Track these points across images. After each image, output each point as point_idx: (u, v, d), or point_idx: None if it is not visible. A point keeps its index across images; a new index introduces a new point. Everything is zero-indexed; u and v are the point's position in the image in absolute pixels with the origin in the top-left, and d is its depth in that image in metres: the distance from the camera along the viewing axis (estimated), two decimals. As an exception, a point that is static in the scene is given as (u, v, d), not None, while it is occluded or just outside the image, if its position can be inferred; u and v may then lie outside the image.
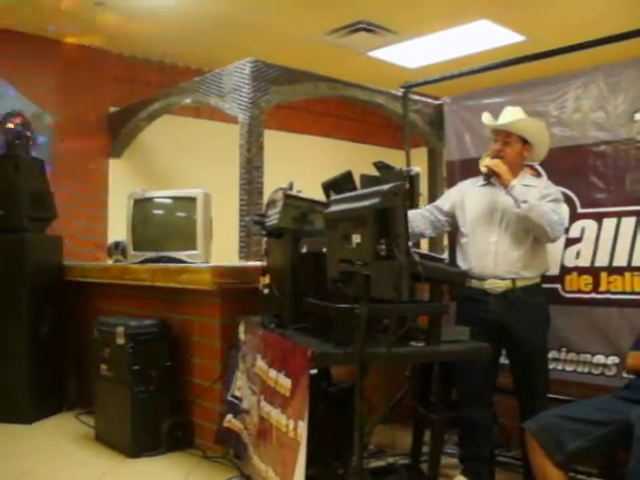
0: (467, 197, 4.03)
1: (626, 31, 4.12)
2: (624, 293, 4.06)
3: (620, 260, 4.09)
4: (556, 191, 3.87)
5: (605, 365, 4.13)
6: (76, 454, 4.64)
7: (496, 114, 3.98)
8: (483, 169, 3.90)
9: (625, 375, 3.75)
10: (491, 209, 3.89)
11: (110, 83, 7.72)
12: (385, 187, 2.59)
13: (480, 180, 4.00)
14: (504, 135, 3.87)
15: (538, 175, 4.28)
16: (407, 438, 4.15)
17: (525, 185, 3.81)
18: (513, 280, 3.78)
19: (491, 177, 3.86)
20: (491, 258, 3.84)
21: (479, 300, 3.86)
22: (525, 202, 3.66)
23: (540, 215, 3.64)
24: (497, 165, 3.79)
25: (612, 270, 4.11)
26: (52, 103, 7.16)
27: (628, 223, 4.07)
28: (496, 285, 3.81)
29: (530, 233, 3.76)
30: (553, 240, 3.79)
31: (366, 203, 2.62)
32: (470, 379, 3.85)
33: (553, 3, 6.49)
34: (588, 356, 4.20)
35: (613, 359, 4.09)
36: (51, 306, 5.61)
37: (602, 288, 4.14)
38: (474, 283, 3.88)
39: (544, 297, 3.91)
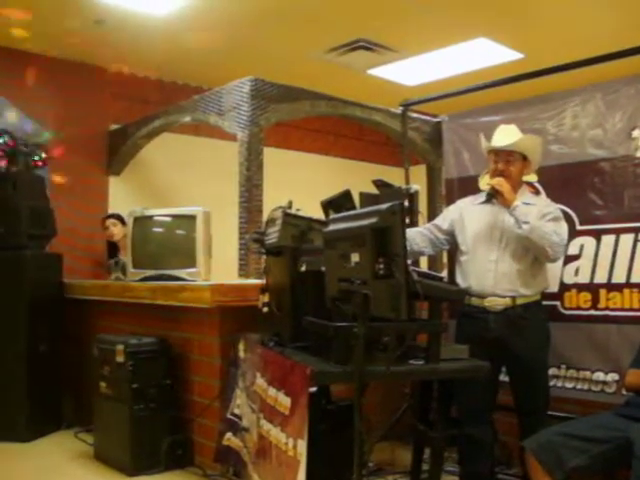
0: (466, 215, 4.04)
1: (623, 49, 4.15)
2: (623, 310, 4.07)
3: (619, 277, 4.10)
4: (555, 209, 3.88)
5: (605, 382, 4.13)
6: (74, 473, 4.62)
7: (494, 132, 4.00)
8: (485, 187, 3.92)
9: (624, 392, 3.75)
10: (491, 227, 3.90)
11: (110, 101, 7.75)
12: (383, 206, 2.60)
13: (479, 198, 4.02)
14: (506, 154, 3.89)
15: (537, 193, 4.30)
16: (407, 456, 4.14)
17: (526, 203, 3.83)
18: (513, 298, 3.79)
19: (494, 196, 3.88)
20: (491, 276, 3.85)
21: (479, 318, 3.86)
22: (527, 223, 3.67)
23: (541, 236, 3.66)
24: (500, 184, 3.81)
25: (611, 287, 4.12)
26: (52, 121, 7.17)
27: (626, 240, 4.08)
28: (496, 303, 3.82)
29: (530, 252, 3.77)
30: (553, 260, 3.81)
31: (364, 222, 2.63)
32: (469, 397, 3.84)
33: (551, 21, 6.53)
34: (588, 373, 4.20)
35: (613, 376, 4.09)
36: (50, 323, 5.60)
37: (601, 305, 4.14)
38: (474, 301, 3.89)
39: (544, 315, 3.92)
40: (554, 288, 4.21)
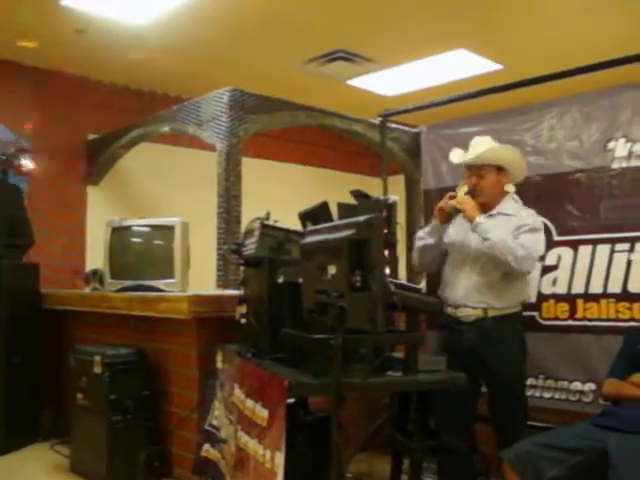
0: (451, 226, 4.04)
1: (601, 61, 4.19)
2: (600, 320, 4.10)
3: (596, 287, 4.12)
4: (534, 221, 3.81)
5: (582, 392, 4.15)
6: (51, 485, 4.59)
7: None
8: (448, 209, 3.90)
9: (601, 402, 3.77)
10: (465, 238, 3.90)
11: (89, 110, 7.72)
12: (360, 218, 2.61)
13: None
14: (477, 168, 3.88)
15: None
16: (385, 467, 4.14)
17: (505, 214, 3.83)
18: (484, 309, 3.78)
19: (458, 214, 3.88)
20: (462, 287, 3.85)
21: (453, 328, 3.87)
22: (487, 239, 3.67)
23: (502, 252, 3.62)
24: (461, 203, 3.81)
25: (588, 297, 4.15)
26: (30, 130, 7.13)
27: (603, 250, 4.11)
28: (467, 314, 3.82)
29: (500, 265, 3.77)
30: (523, 273, 3.76)
31: (341, 234, 2.63)
32: (448, 407, 3.83)
33: (530, 33, 6.58)
34: (565, 383, 4.22)
35: (590, 386, 4.12)
36: (27, 334, 5.55)
37: (578, 315, 4.17)
38: (449, 311, 3.89)
39: (519, 327, 3.87)
40: (532, 299, 4.21)
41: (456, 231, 3.97)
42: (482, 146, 3.91)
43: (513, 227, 3.75)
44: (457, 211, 3.87)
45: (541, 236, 3.82)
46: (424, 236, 4.04)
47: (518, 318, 3.88)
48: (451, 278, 3.94)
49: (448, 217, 3.94)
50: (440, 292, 3.99)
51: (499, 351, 3.75)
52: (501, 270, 3.74)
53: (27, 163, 6.17)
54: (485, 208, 3.88)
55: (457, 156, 4.00)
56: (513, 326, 3.84)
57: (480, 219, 3.74)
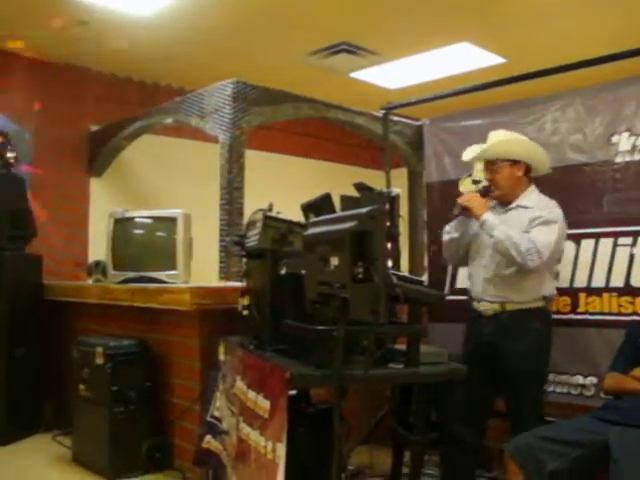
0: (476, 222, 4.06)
1: (605, 55, 4.18)
2: (602, 314, 4.10)
3: (598, 281, 4.13)
4: (549, 213, 3.75)
5: (584, 385, 4.16)
6: (52, 477, 4.60)
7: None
8: (455, 211, 3.91)
9: (603, 395, 3.77)
10: (482, 233, 3.92)
11: (91, 102, 7.69)
12: (363, 210, 2.61)
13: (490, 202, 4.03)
14: (490, 163, 3.90)
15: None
16: (387, 459, 4.13)
17: (524, 207, 3.82)
18: (502, 304, 3.79)
19: (465, 212, 3.89)
20: (480, 281, 3.89)
21: (476, 321, 3.92)
22: (492, 236, 3.69)
23: (507, 247, 3.61)
24: (468, 200, 3.83)
25: (590, 291, 4.15)
26: (32, 121, 7.13)
27: (606, 244, 4.11)
28: (486, 307, 3.86)
29: None
30: (531, 268, 3.67)
31: (343, 226, 2.63)
32: (462, 398, 3.87)
33: (533, 26, 6.56)
34: (567, 376, 4.23)
35: (592, 379, 4.12)
36: (29, 325, 5.56)
37: (581, 309, 4.17)
38: (474, 304, 3.96)
39: (538, 322, 3.79)
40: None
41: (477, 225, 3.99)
42: (493, 140, 3.92)
43: (527, 220, 3.73)
44: (464, 209, 3.89)
45: (554, 229, 3.72)
46: (450, 230, 4.06)
47: (539, 313, 3.81)
48: (472, 272, 4.00)
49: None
50: (467, 286, 4.06)
51: (514, 346, 3.72)
52: (513, 265, 3.73)
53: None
54: (505, 201, 3.90)
55: (469, 153, 4.01)
56: (531, 321, 3.78)
57: (486, 216, 3.74)
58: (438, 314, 4.67)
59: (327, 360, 2.76)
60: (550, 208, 3.80)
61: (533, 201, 3.86)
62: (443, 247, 4.17)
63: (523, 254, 3.60)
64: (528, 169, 3.89)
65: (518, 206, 3.85)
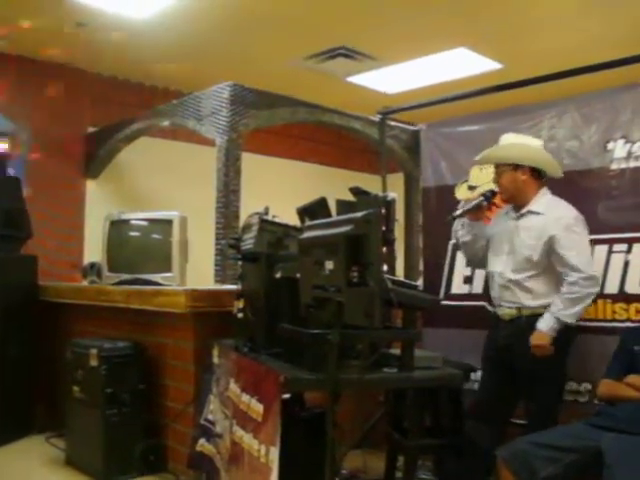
0: (490, 226, 4.11)
1: (601, 62, 4.19)
2: (597, 320, 4.10)
3: (593, 287, 4.12)
4: (566, 225, 3.74)
5: (578, 392, 4.15)
6: (45, 479, 4.58)
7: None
8: (462, 197, 3.95)
9: (597, 402, 3.77)
10: (501, 239, 3.95)
11: (88, 103, 7.71)
12: (358, 214, 2.61)
13: (505, 209, 4.07)
14: (495, 167, 3.95)
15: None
16: (380, 463, 4.13)
17: (535, 213, 3.84)
18: (518, 309, 3.82)
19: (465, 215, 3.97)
20: (496, 287, 3.93)
21: (495, 325, 3.96)
22: (567, 319, 3.67)
23: (580, 304, 3.68)
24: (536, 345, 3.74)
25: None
26: (29, 122, 7.12)
27: (600, 251, 4.11)
28: (504, 312, 3.89)
29: (535, 264, 3.76)
30: (595, 292, 3.75)
31: (339, 230, 2.63)
32: (480, 399, 3.97)
33: (529, 32, 6.58)
34: (561, 382, 4.22)
35: (586, 386, 4.12)
36: (24, 326, 5.54)
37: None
38: (491, 309, 4.04)
39: None
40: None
41: (493, 231, 4.04)
42: (503, 143, 3.96)
43: (535, 235, 3.77)
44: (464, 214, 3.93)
45: (576, 231, 3.75)
46: (461, 232, 4.12)
47: None
48: (489, 277, 4.06)
49: (478, 215, 4.02)
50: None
51: (528, 352, 3.71)
52: (536, 269, 3.76)
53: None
54: (517, 205, 3.92)
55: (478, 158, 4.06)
56: None
57: (547, 329, 3.68)
58: (433, 319, 4.67)
59: (321, 364, 2.76)
60: (565, 218, 3.77)
61: (542, 206, 3.86)
62: (460, 248, 4.26)
63: (587, 286, 3.67)
64: (536, 173, 3.89)
65: (528, 212, 3.87)
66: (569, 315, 3.66)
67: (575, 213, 3.81)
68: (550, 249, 3.73)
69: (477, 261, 4.22)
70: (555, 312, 3.66)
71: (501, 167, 3.89)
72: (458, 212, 4.01)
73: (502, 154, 3.91)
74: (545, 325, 3.67)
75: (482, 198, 3.99)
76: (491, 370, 4.00)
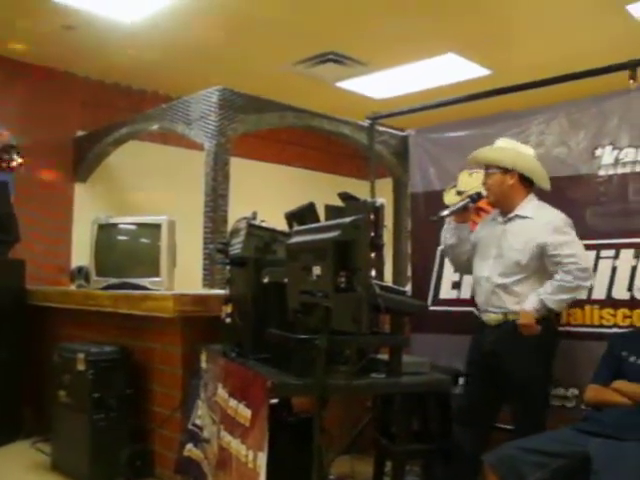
0: (476, 232, 4.12)
1: (590, 69, 4.22)
2: (584, 326, 4.11)
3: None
4: (555, 228, 3.77)
5: (565, 397, 4.16)
6: (31, 483, 4.56)
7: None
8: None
9: (584, 407, 3.78)
10: (487, 244, 3.96)
11: (77, 107, 7.70)
12: (346, 220, 2.61)
13: (491, 215, 4.09)
14: (486, 167, 3.96)
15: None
16: (368, 469, 4.12)
17: (522, 217, 3.85)
18: (504, 313, 3.82)
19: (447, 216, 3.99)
20: (483, 292, 3.93)
21: (480, 331, 3.96)
22: (557, 305, 3.71)
23: (568, 294, 3.70)
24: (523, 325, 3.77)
25: (572, 303, 4.15)
26: (17, 125, 7.10)
27: (588, 257, 4.11)
28: (489, 318, 3.89)
29: (522, 269, 3.78)
30: (589, 285, 3.81)
31: (327, 235, 2.63)
32: (464, 406, 3.93)
33: (518, 39, 6.62)
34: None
35: (573, 391, 4.13)
36: (11, 330, 5.51)
37: (562, 321, 4.16)
38: (477, 314, 4.02)
39: (544, 332, 3.74)
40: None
41: (479, 235, 4.05)
42: (497, 145, 4.00)
43: (523, 239, 3.78)
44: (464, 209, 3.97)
45: (567, 237, 3.76)
46: (446, 236, 4.13)
47: (544, 324, 3.75)
48: (475, 283, 4.05)
49: (464, 216, 4.04)
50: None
51: (514, 356, 3.73)
52: (521, 274, 3.78)
53: (16, 158, 6.14)
54: (504, 210, 3.94)
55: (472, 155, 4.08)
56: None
57: (530, 307, 3.71)
58: (421, 324, 4.67)
59: (309, 369, 2.76)
60: (553, 223, 3.79)
61: (530, 210, 3.88)
62: (445, 254, 4.26)
63: (577, 282, 3.68)
64: (525, 180, 3.90)
65: (516, 216, 3.88)
66: (554, 301, 3.67)
67: (563, 216, 3.82)
68: (541, 253, 3.74)
69: (461, 265, 4.22)
70: (541, 294, 3.68)
71: (491, 169, 3.91)
72: (445, 212, 4.01)
73: (494, 156, 3.92)
74: (529, 304, 3.69)
75: (468, 199, 4.02)
76: (476, 374, 4.01)
